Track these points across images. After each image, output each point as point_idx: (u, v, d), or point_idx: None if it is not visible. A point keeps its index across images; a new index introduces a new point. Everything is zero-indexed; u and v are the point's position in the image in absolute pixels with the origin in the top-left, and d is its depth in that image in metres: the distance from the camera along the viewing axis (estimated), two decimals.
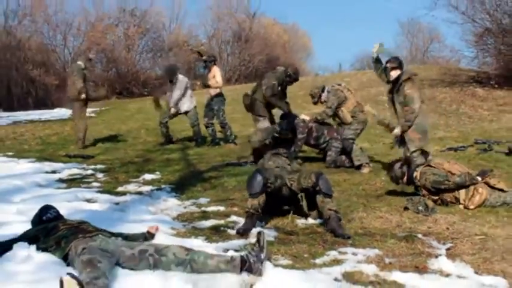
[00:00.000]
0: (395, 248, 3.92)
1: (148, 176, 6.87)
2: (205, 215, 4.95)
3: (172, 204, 5.42)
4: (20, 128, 13.58)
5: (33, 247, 3.39)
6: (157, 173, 7.13)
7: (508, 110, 14.11)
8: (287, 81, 8.12)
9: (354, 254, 3.78)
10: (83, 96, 9.43)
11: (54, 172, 7.24)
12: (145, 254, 3.23)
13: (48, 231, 3.51)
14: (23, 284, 2.92)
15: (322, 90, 7.65)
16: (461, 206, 5.13)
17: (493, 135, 10.17)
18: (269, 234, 4.28)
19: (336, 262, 3.62)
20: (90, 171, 7.33)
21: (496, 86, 16.57)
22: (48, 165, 7.69)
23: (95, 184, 6.47)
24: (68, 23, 28.01)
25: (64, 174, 7.09)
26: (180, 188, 6.17)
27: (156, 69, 30.78)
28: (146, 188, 6.17)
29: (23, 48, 22.81)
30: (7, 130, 12.96)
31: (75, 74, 9.50)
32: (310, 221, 4.68)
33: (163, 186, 6.29)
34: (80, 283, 2.74)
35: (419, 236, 4.23)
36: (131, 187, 6.25)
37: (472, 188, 5.11)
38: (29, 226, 3.79)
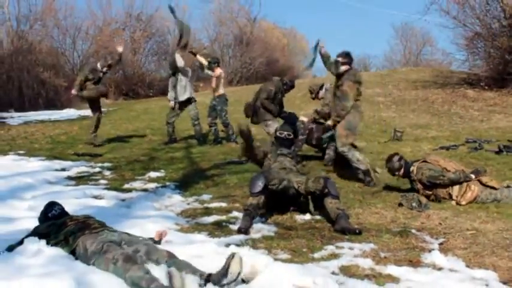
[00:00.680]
0: (390, 243, 3.92)
1: (153, 174, 6.86)
2: (207, 211, 4.95)
3: (176, 201, 5.42)
4: (31, 127, 13.56)
5: (43, 242, 3.38)
6: (162, 170, 7.13)
7: (498, 111, 14.10)
8: (284, 89, 8.24)
9: (351, 248, 3.78)
10: (73, 91, 9.66)
11: (63, 170, 7.24)
12: (136, 254, 3.22)
13: (58, 227, 3.50)
14: (34, 277, 2.92)
15: (321, 88, 7.64)
16: (453, 202, 5.13)
17: (483, 134, 10.15)
18: (269, 230, 4.29)
19: (334, 256, 3.61)
20: (97, 169, 7.33)
21: (486, 87, 16.57)
22: (57, 163, 7.70)
23: (102, 181, 6.47)
24: (77, 27, 28.01)
25: (73, 172, 7.09)
26: (184, 185, 6.16)
27: (161, 71, 30.78)
28: (151, 185, 6.17)
29: (34, 51, 22.78)
30: (19, 130, 12.95)
31: (80, 71, 9.58)
32: (309, 216, 4.67)
33: (167, 183, 6.29)
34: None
35: (413, 231, 4.23)
36: (137, 184, 6.25)
37: (465, 184, 5.12)
38: None
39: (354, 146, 6.32)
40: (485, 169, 5.71)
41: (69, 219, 3.60)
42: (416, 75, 20.94)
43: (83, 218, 3.64)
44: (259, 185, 4.45)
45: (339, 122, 6.17)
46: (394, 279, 3.19)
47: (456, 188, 5.14)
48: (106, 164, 7.71)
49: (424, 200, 5.04)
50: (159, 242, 3.79)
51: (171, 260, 3.15)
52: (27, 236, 3.49)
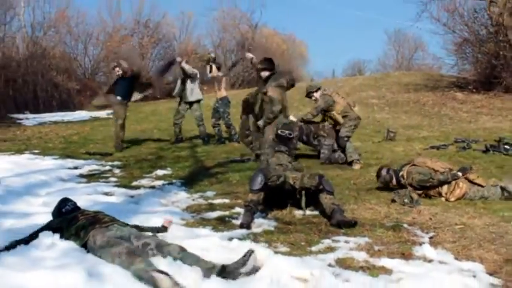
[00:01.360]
0: (384, 237, 3.91)
1: (160, 172, 6.86)
2: (211, 207, 4.95)
3: (182, 197, 5.42)
4: (45, 128, 13.59)
5: (57, 236, 3.39)
6: (169, 169, 7.13)
7: (485, 112, 14.10)
8: (286, 87, 8.13)
9: (346, 242, 3.78)
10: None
11: (75, 168, 7.24)
12: (147, 247, 3.21)
13: (69, 221, 3.51)
14: (48, 269, 2.92)
15: (317, 90, 7.62)
16: (443, 199, 5.12)
17: (471, 134, 10.15)
18: (269, 224, 4.29)
19: (330, 249, 3.61)
20: (108, 167, 7.33)
21: (474, 90, 16.59)
22: (70, 162, 7.70)
23: (112, 179, 6.47)
24: (88, 33, 27.99)
25: (84, 170, 7.09)
26: (189, 182, 6.16)
27: (167, 75, 30.76)
28: (158, 183, 6.17)
29: (48, 56, 22.78)
30: (33, 130, 12.97)
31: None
32: (307, 212, 4.67)
33: (173, 180, 6.29)
34: (168, 276, 2.78)
35: (405, 225, 4.22)
36: (145, 182, 6.25)
37: (453, 182, 5.11)
38: None
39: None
40: (471, 166, 5.70)
41: (81, 214, 3.60)
42: (409, 78, 20.93)
43: (94, 213, 3.65)
44: (259, 182, 4.45)
45: (269, 123, 6.10)
46: (387, 271, 3.19)
47: (445, 186, 5.13)
48: (116, 163, 7.72)
49: (415, 196, 5.03)
50: (166, 230, 3.82)
51: (183, 252, 3.15)
52: (40, 230, 3.50)
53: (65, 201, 3.83)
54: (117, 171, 7.08)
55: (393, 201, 5.00)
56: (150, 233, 3.65)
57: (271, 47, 38.11)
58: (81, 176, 6.70)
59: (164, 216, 4.15)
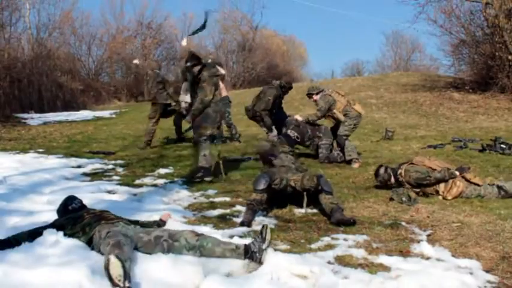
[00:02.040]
0: (382, 234, 3.91)
1: (162, 170, 6.85)
2: (213, 205, 4.94)
3: (184, 195, 5.41)
4: (49, 127, 13.58)
5: (61, 233, 3.37)
6: (171, 167, 7.12)
7: (481, 112, 14.09)
8: (283, 91, 8.29)
9: (345, 239, 3.77)
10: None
11: (79, 167, 7.23)
12: (160, 239, 3.21)
13: (75, 220, 3.50)
14: (52, 266, 2.92)
15: (318, 93, 7.60)
16: (440, 197, 5.12)
17: (467, 134, 10.14)
18: (270, 222, 4.28)
19: (329, 247, 3.61)
20: (111, 166, 7.32)
21: (471, 90, 16.58)
22: (74, 161, 7.68)
23: (115, 177, 6.46)
24: (92, 35, 28.10)
25: (88, 169, 7.08)
26: (191, 180, 6.15)
27: (169, 75, 30.78)
28: (160, 181, 6.15)
29: (53, 57, 22.80)
30: (38, 129, 12.97)
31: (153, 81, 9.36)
32: (307, 210, 4.66)
33: (175, 179, 6.28)
34: (123, 264, 2.72)
35: (403, 223, 4.22)
36: (147, 180, 6.24)
37: (450, 181, 5.10)
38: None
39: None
40: (469, 166, 5.69)
41: (86, 213, 3.59)
42: (406, 79, 20.93)
43: (100, 212, 3.64)
44: (263, 184, 4.47)
45: (198, 115, 6.05)
46: (386, 268, 3.18)
47: (442, 184, 5.12)
48: (119, 162, 7.70)
49: (413, 194, 5.03)
50: (164, 224, 3.82)
51: (199, 237, 3.19)
52: (45, 227, 3.48)
53: (72, 199, 3.81)
54: (120, 169, 7.06)
55: (391, 199, 4.99)
56: (156, 227, 3.65)
57: (271, 48, 38.20)
58: (85, 174, 6.69)
59: (162, 213, 4.14)
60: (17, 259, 3.03)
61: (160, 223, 3.87)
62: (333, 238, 3.81)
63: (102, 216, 3.48)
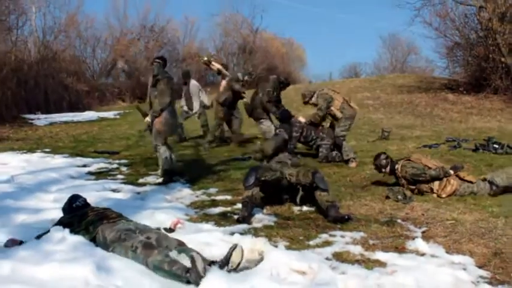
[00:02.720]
0: (378, 231, 3.92)
1: None
2: (214, 203, 4.95)
3: (186, 194, 5.42)
4: (55, 128, 13.59)
5: (67, 230, 3.39)
6: None
7: (475, 113, 14.10)
8: (281, 86, 8.27)
9: (343, 236, 3.79)
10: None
11: (84, 166, 7.24)
12: (149, 240, 3.23)
13: (80, 217, 3.52)
14: (59, 262, 2.93)
15: (311, 97, 7.58)
16: (434, 195, 5.12)
17: (461, 134, 10.14)
18: (269, 220, 4.30)
19: (327, 243, 3.62)
20: (115, 165, 7.32)
21: (465, 92, 16.59)
22: (79, 160, 7.69)
23: (119, 176, 6.47)
24: (96, 37, 28.01)
25: (93, 168, 7.09)
26: (193, 179, 6.16)
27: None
28: None
29: (58, 59, 22.77)
30: (45, 130, 12.98)
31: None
32: (305, 208, 4.67)
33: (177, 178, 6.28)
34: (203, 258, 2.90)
35: (399, 221, 4.23)
36: (150, 179, 6.24)
37: (445, 179, 5.10)
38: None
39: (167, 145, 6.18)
40: (463, 165, 5.70)
41: (90, 210, 3.62)
42: (402, 80, 20.92)
43: (102, 210, 3.66)
44: (252, 179, 4.47)
45: (156, 117, 6.04)
46: (382, 264, 3.20)
47: (437, 182, 5.13)
48: (123, 161, 7.71)
49: (408, 193, 5.04)
50: (173, 231, 3.81)
51: (181, 247, 3.14)
52: (53, 226, 3.51)
53: (76, 198, 3.84)
54: (124, 169, 7.07)
55: (387, 197, 5.00)
56: (153, 227, 3.65)
57: (271, 51, 38.15)
58: (90, 173, 6.70)
59: (172, 219, 4.08)
60: (24, 255, 3.05)
61: (169, 231, 3.82)
62: (330, 235, 3.82)
63: (104, 215, 3.51)
